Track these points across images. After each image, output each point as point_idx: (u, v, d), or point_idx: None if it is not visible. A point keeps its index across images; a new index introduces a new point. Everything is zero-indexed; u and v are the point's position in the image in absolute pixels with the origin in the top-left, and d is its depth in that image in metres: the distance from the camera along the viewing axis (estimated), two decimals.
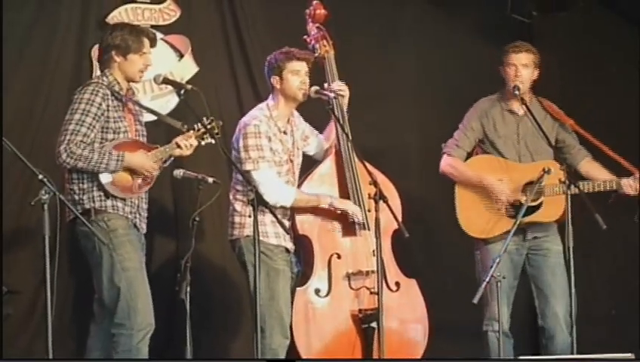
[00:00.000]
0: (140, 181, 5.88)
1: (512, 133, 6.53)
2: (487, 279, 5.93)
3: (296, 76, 6.11)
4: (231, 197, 6.13)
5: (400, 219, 5.99)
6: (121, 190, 5.83)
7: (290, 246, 6.13)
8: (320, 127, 6.41)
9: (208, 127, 5.90)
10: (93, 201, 5.81)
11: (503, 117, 6.56)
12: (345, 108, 6.25)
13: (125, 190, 5.84)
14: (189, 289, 5.90)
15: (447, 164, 6.54)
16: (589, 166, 6.58)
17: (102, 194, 5.81)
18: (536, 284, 6.52)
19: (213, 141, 5.89)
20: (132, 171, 5.84)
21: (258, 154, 6.02)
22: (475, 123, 6.55)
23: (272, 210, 5.79)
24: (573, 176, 6.29)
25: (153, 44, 6.03)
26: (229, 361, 6.87)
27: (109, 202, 5.82)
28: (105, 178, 5.80)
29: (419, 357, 6.22)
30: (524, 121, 6.53)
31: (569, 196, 6.06)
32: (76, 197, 5.82)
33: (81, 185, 5.83)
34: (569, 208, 6.04)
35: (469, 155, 6.59)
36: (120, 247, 5.79)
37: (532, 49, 6.54)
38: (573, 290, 6.06)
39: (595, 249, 7.29)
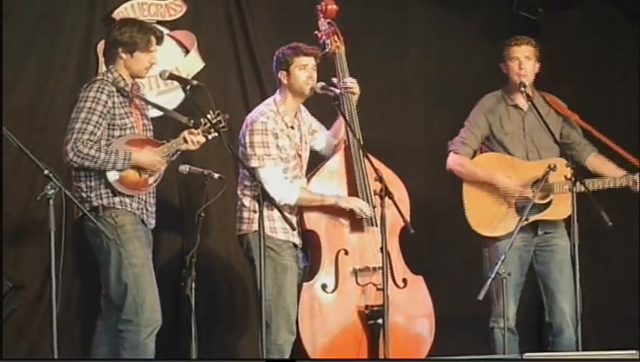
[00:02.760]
0: (147, 177, 5.87)
1: (518, 128, 6.52)
2: (493, 276, 5.93)
3: (304, 71, 6.09)
4: (239, 192, 6.12)
5: (408, 216, 5.99)
6: (129, 187, 5.81)
7: (297, 241, 6.11)
8: (329, 122, 6.40)
9: (214, 121, 5.89)
10: (101, 198, 5.80)
11: (509, 112, 6.54)
12: (354, 106, 6.24)
13: (132, 187, 5.82)
14: (194, 285, 5.89)
15: (455, 162, 6.51)
16: (596, 161, 6.55)
17: (109, 191, 5.80)
18: (544, 281, 6.50)
19: (219, 135, 5.88)
20: (139, 168, 5.83)
21: (264, 152, 6.01)
22: (482, 120, 6.53)
23: (278, 206, 5.79)
24: (581, 172, 6.27)
25: (160, 42, 6.02)
26: (228, 361, 6.85)
27: (116, 199, 5.81)
28: (112, 175, 5.78)
29: (424, 352, 6.20)
30: (529, 116, 6.51)
31: (574, 193, 6.05)
32: (84, 195, 5.81)
33: (88, 182, 5.82)
34: (574, 205, 6.03)
35: (475, 153, 6.57)
36: (127, 243, 5.78)
37: (533, 42, 6.52)
38: (578, 287, 6.05)
39: (601, 246, 7.27)
